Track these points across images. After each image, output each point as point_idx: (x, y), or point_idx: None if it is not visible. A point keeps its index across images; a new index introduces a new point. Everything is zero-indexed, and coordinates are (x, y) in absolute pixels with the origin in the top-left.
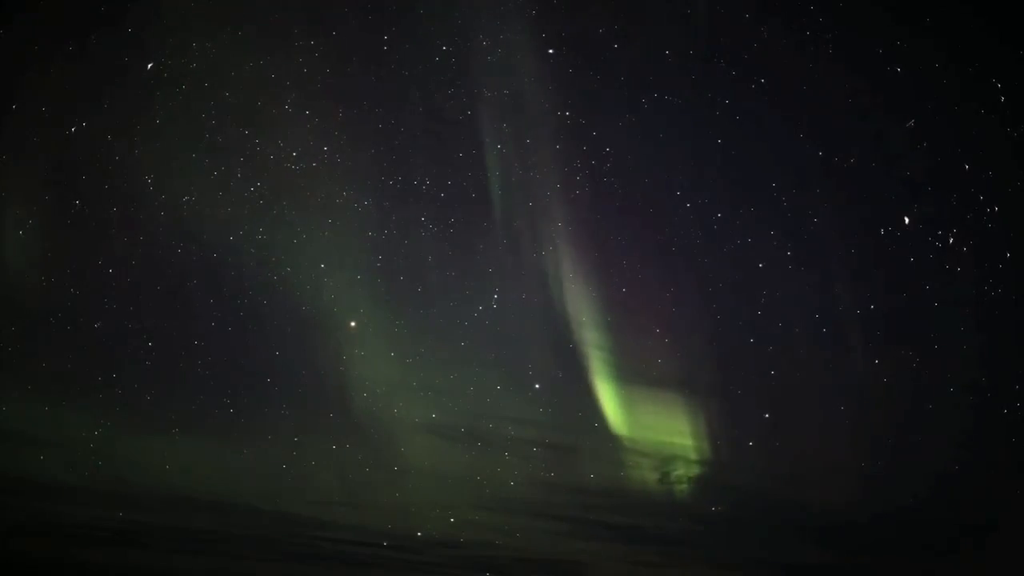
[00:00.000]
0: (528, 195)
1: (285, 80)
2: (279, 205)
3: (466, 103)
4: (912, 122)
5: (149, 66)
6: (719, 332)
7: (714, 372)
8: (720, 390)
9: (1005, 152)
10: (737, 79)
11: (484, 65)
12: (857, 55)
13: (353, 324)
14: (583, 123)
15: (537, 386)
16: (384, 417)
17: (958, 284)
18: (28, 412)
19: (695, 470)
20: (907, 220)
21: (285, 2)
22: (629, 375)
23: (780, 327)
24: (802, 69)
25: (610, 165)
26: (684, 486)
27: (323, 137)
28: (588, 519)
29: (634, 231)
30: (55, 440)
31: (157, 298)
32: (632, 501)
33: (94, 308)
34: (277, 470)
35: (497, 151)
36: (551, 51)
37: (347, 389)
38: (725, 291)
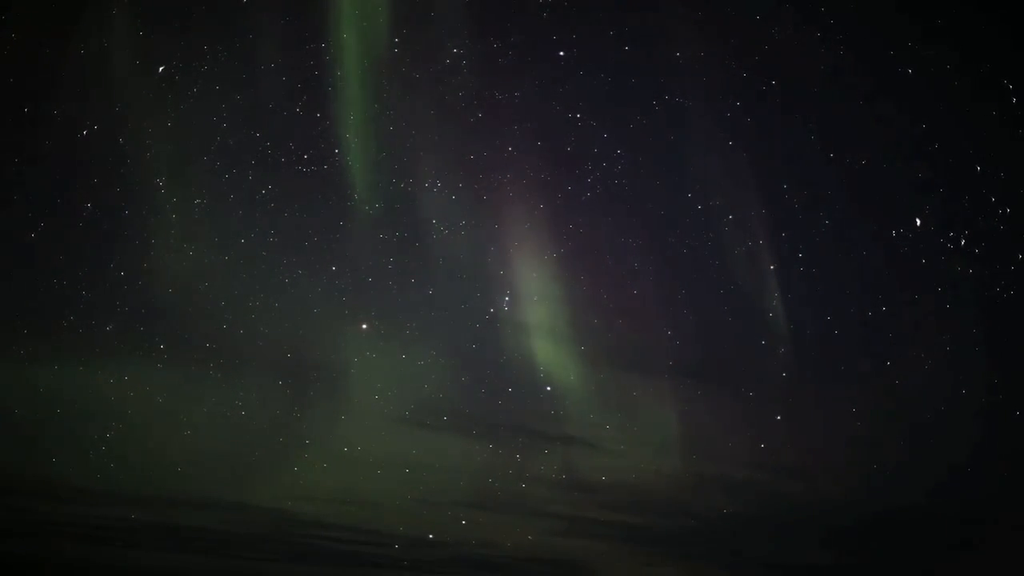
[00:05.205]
0: (539, 197)
1: (296, 83)
2: (290, 207)
3: (477, 105)
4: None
5: (160, 69)
6: (730, 334)
7: (726, 373)
8: (732, 391)
9: (1016, 153)
10: (748, 81)
11: (495, 67)
12: (868, 56)
13: (365, 326)
14: (594, 125)
15: (548, 388)
16: (396, 419)
17: (969, 286)
18: (39, 414)
19: (706, 471)
20: (918, 222)
21: (295, 5)
22: (640, 377)
23: (791, 329)
24: (813, 71)
25: (621, 167)
26: (695, 487)
27: (334, 139)
28: (599, 519)
29: (645, 233)
30: (67, 441)
31: (169, 300)
32: (642, 501)
33: (106, 311)
34: (289, 472)
35: (507, 153)
36: (562, 53)
37: (359, 391)
38: (736, 293)
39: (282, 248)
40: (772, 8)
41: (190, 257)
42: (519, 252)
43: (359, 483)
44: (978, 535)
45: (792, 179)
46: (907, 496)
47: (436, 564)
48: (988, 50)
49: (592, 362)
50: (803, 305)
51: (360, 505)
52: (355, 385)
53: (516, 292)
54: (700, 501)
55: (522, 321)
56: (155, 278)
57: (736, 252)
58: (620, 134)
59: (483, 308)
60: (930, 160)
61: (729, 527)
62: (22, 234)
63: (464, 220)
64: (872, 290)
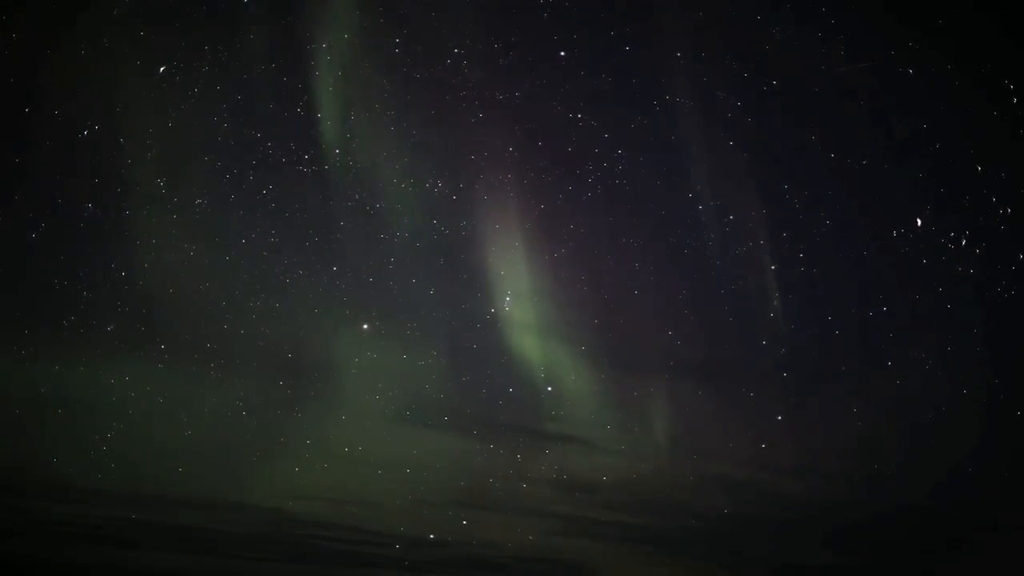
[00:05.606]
0: (539, 197)
1: (297, 83)
2: (291, 207)
3: (477, 105)
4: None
5: (161, 69)
6: (730, 334)
7: (725, 373)
8: (732, 391)
9: (1017, 153)
10: (748, 81)
11: (495, 67)
12: (868, 56)
13: (365, 326)
14: (595, 125)
15: (549, 388)
16: (397, 419)
17: (970, 286)
18: (40, 414)
19: (706, 471)
20: (919, 222)
21: (296, 5)
22: (640, 377)
23: (792, 329)
24: (813, 70)
25: (622, 167)
26: (695, 487)
27: (335, 140)
28: (599, 519)
29: (645, 233)
30: (67, 441)
31: (169, 300)
32: (642, 501)
33: (107, 311)
34: (290, 473)
35: (507, 153)
36: (562, 53)
37: (359, 391)
38: (737, 293)
39: (283, 248)
40: (772, 8)
41: (190, 257)
42: (520, 252)
43: (359, 483)
44: (978, 535)
45: (792, 179)
46: (907, 496)
47: (436, 564)
48: (989, 50)
49: (592, 362)
50: (803, 305)
51: (360, 505)
52: (355, 385)
53: (517, 292)
54: (700, 501)
55: (523, 321)
56: (155, 278)
57: (736, 252)
58: (621, 134)
59: (483, 308)
60: (930, 160)
61: (729, 527)
62: (22, 234)
63: (464, 220)
64: (872, 290)
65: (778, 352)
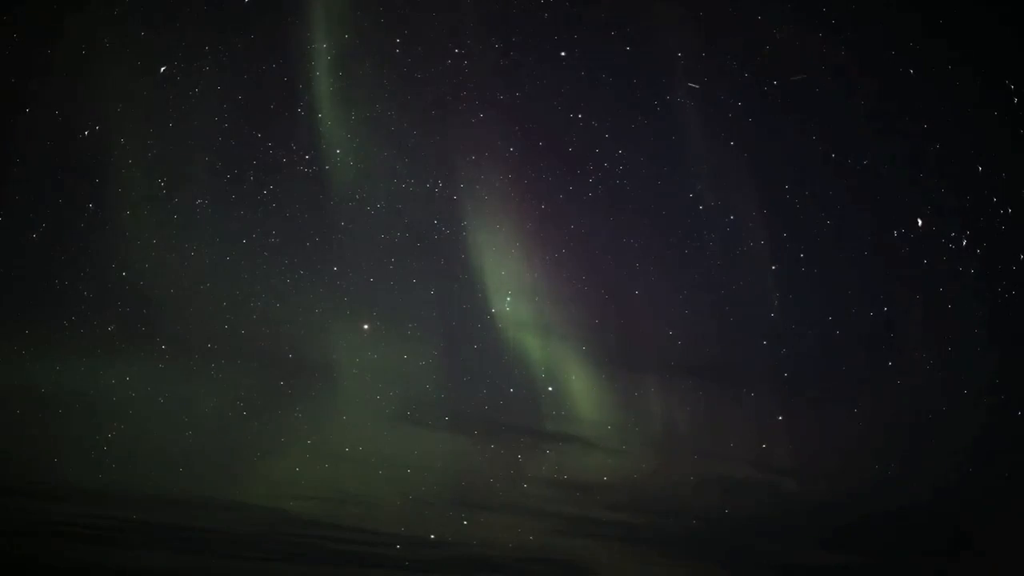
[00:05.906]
0: (540, 197)
1: (298, 83)
2: (292, 208)
3: (478, 105)
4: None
5: (162, 69)
6: (732, 334)
7: (726, 373)
8: (732, 391)
9: (1018, 154)
10: (749, 81)
11: (496, 67)
12: (870, 56)
13: (366, 327)
14: (595, 125)
15: (550, 388)
16: (397, 420)
17: (971, 286)
18: (40, 414)
19: (706, 471)
20: (920, 222)
21: (297, 5)
22: (640, 376)
23: (793, 329)
24: (815, 71)
25: (622, 167)
26: (695, 487)
27: (335, 140)
28: (599, 519)
29: (646, 233)
30: (68, 441)
31: (170, 300)
32: (642, 501)
33: (107, 311)
34: (291, 473)
35: (508, 153)
36: (563, 53)
37: (360, 391)
38: (738, 293)
39: (283, 248)
40: (773, 8)
41: (191, 257)
42: (520, 252)
43: (359, 483)
44: (978, 535)
45: (793, 179)
46: (907, 496)
47: (436, 564)
48: (990, 50)
49: (593, 362)
50: (803, 305)
51: (360, 505)
52: (356, 385)
53: (517, 292)
54: (700, 501)
55: (523, 321)
56: (156, 278)
57: (736, 252)
58: (621, 134)
59: (484, 308)
60: (931, 160)
61: (729, 527)
62: (22, 234)
63: (465, 220)
64: (872, 290)
65: (778, 352)
